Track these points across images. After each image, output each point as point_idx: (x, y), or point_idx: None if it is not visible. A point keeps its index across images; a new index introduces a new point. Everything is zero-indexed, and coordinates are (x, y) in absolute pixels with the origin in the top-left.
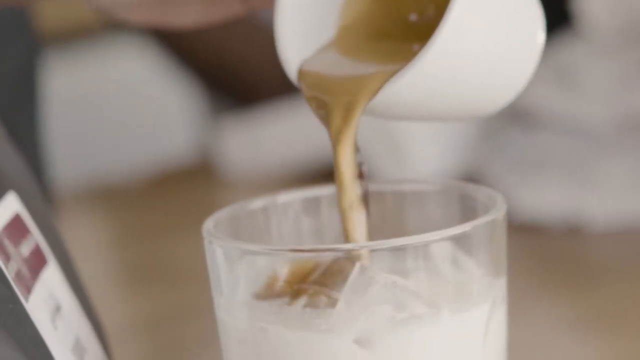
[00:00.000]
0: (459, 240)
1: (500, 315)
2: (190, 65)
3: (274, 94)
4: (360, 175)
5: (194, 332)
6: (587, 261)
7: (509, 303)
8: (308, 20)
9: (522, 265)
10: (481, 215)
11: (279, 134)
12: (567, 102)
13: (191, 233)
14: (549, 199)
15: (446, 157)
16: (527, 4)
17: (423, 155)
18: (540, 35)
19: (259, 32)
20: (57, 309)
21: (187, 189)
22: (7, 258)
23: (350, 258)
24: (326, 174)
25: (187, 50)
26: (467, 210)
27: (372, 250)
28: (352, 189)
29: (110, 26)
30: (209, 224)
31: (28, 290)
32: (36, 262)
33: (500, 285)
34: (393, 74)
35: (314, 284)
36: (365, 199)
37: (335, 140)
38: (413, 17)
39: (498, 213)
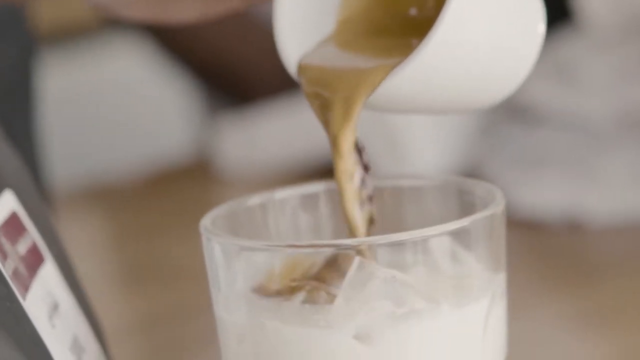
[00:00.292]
0: (458, 235)
1: (499, 310)
2: (186, 63)
3: (270, 92)
4: (366, 169)
5: (192, 332)
6: (587, 257)
7: (509, 299)
8: (307, 14)
9: (522, 262)
10: (480, 210)
11: (275, 132)
12: (566, 97)
13: (188, 232)
14: (549, 195)
15: (445, 154)
16: None
17: (422, 152)
18: (541, 26)
19: (255, 30)
20: (55, 307)
21: (184, 187)
22: (4, 256)
23: (349, 253)
24: (323, 172)
25: (184, 48)
26: (466, 205)
27: (371, 246)
28: (352, 186)
29: (106, 24)
30: (206, 221)
31: (25, 288)
32: (33, 260)
33: (499, 280)
34: (393, 67)
35: (312, 279)
36: (371, 195)
37: (336, 136)
38: (412, 11)
39: (497, 208)
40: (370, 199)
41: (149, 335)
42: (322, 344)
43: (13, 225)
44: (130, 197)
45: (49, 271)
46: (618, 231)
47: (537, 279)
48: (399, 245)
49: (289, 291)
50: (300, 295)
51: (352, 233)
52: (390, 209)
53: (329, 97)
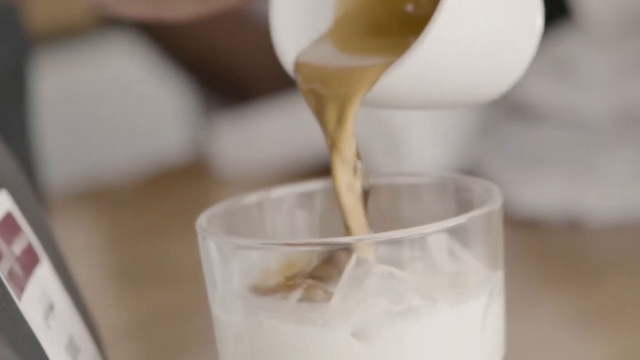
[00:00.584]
0: (456, 233)
1: (497, 308)
2: (183, 63)
3: (267, 91)
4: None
5: (190, 332)
6: (587, 256)
7: (508, 298)
8: (303, 11)
9: (521, 261)
10: (477, 207)
11: (273, 132)
12: (566, 95)
13: (186, 232)
14: (549, 193)
15: (445, 153)
16: None
17: (421, 152)
18: (539, 20)
19: (251, 29)
20: (51, 308)
21: (181, 188)
22: (0, 257)
23: (347, 251)
24: (320, 172)
25: (180, 48)
26: (464, 203)
27: (368, 244)
28: (351, 187)
29: (102, 24)
30: (202, 220)
31: (21, 289)
32: (29, 261)
33: (497, 278)
34: (390, 65)
35: (309, 277)
36: (366, 196)
37: (333, 135)
38: (409, 7)
39: (494, 205)
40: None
41: (145, 336)
42: (320, 342)
43: (8, 226)
44: (127, 197)
45: (44, 272)
46: (618, 230)
47: (536, 278)
48: (396, 243)
49: (286, 290)
50: (298, 294)
51: (350, 231)
52: (388, 207)
53: (326, 95)
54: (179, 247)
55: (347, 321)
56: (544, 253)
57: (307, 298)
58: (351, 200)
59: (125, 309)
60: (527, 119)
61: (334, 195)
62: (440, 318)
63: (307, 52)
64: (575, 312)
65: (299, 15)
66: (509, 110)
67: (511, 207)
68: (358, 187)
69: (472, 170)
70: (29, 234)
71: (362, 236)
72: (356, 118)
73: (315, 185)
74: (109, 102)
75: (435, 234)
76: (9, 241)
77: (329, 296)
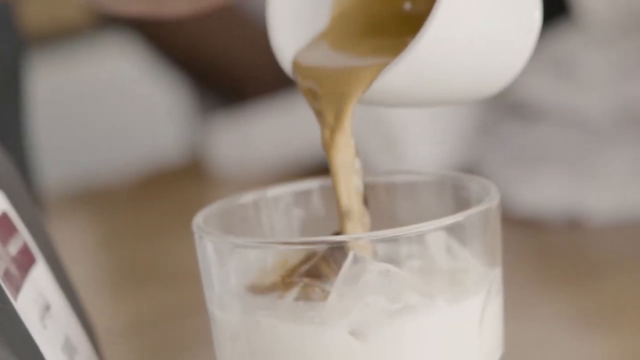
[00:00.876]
0: (453, 230)
1: (495, 305)
2: (178, 63)
3: (263, 91)
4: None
5: (186, 333)
6: (587, 255)
7: (508, 297)
8: (300, 9)
9: (521, 260)
10: (475, 205)
11: (269, 131)
12: (565, 93)
13: (182, 233)
14: (548, 192)
15: (443, 152)
16: None
17: (420, 150)
18: (537, 15)
19: (247, 29)
20: (47, 308)
21: (177, 188)
22: None
23: (343, 249)
24: (317, 171)
25: (176, 47)
26: (461, 201)
27: (366, 242)
28: (351, 187)
29: (97, 25)
30: (198, 219)
31: (17, 289)
32: (24, 261)
33: (495, 275)
34: (387, 64)
35: (306, 275)
36: (365, 198)
37: (331, 133)
38: (407, 5)
39: (491, 202)
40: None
41: (142, 336)
42: (317, 341)
43: (4, 226)
44: (124, 198)
45: (40, 272)
46: (618, 229)
47: (536, 278)
48: (393, 241)
49: (283, 288)
50: (294, 292)
51: (347, 228)
52: (385, 205)
53: (324, 94)
54: (176, 248)
55: (344, 319)
56: (543, 252)
57: (304, 296)
58: (351, 200)
59: (121, 309)
60: (527, 117)
61: (330, 194)
62: (438, 315)
63: (305, 51)
64: (575, 311)
65: (296, 13)
66: (508, 108)
67: (511, 206)
68: (357, 185)
69: (471, 169)
70: (24, 234)
71: (358, 234)
72: (354, 117)
73: (311, 184)
74: (104, 102)
75: (432, 231)
76: (5, 241)
77: (325, 294)
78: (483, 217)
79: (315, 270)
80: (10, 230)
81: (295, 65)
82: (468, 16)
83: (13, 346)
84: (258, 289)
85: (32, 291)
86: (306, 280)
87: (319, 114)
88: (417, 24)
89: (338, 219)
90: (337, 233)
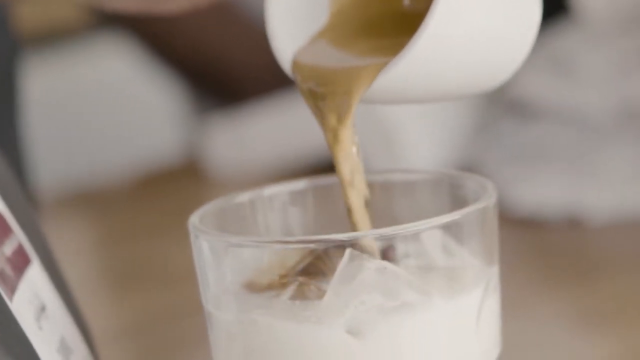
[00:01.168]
0: (450, 229)
1: (492, 303)
2: (174, 63)
3: (259, 91)
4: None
5: (182, 334)
6: (587, 254)
7: (508, 297)
8: (299, 6)
9: (521, 260)
10: (472, 203)
11: (265, 132)
12: (564, 91)
13: (178, 234)
14: (548, 191)
15: (442, 151)
16: None
17: (418, 150)
18: (537, 9)
19: (243, 29)
20: (42, 309)
21: (173, 189)
22: None
23: (340, 247)
24: (314, 171)
25: (171, 47)
26: (458, 199)
27: (367, 240)
28: (357, 187)
29: (92, 25)
30: (194, 218)
31: (12, 289)
32: (20, 262)
33: (492, 273)
34: (387, 64)
35: (302, 274)
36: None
37: (334, 133)
38: (406, 2)
39: (489, 200)
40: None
41: (138, 338)
42: (314, 339)
43: None
44: (120, 199)
45: (35, 272)
46: (618, 228)
47: (536, 277)
48: (390, 239)
49: (279, 287)
50: (291, 291)
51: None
52: (383, 204)
53: (325, 93)
54: (172, 249)
55: (341, 318)
56: (543, 251)
57: (300, 295)
58: (356, 196)
59: (118, 310)
60: (526, 115)
61: (326, 193)
62: (435, 313)
63: (304, 51)
64: (575, 311)
65: (294, 11)
66: (507, 107)
67: (510, 205)
68: (361, 183)
69: (470, 168)
70: (19, 234)
71: (355, 233)
72: (355, 118)
73: (307, 183)
74: (100, 103)
75: (430, 229)
76: (0, 242)
77: (322, 293)
78: (480, 215)
79: (311, 268)
80: (5, 230)
81: (295, 64)
82: (467, 13)
83: (8, 347)
84: (254, 288)
85: (27, 292)
86: (302, 278)
87: (319, 113)
88: (416, 21)
89: (346, 214)
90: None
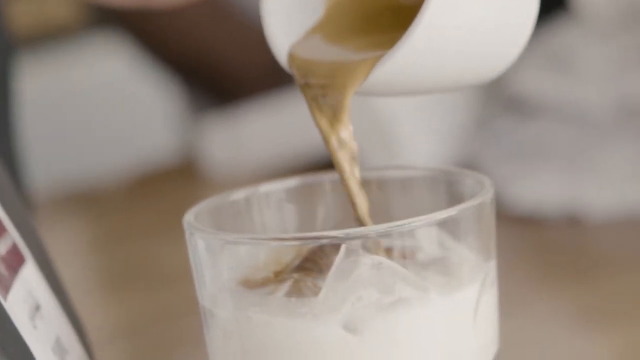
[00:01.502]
0: (447, 225)
1: (490, 298)
2: (169, 62)
3: (255, 90)
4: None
5: (178, 334)
6: (586, 252)
7: (507, 295)
8: (295, 1)
9: (520, 257)
10: (469, 199)
11: (261, 131)
12: (563, 88)
13: (174, 234)
14: (547, 189)
15: (440, 149)
16: None
17: (416, 148)
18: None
19: (238, 28)
20: (37, 308)
21: (169, 189)
22: None
23: (336, 243)
24: (310, 170)
25: (166, 47)
26: (455, 195)
27: (359, 236)
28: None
29: (87, 25)
30: (189, 216)
31: (6, 289)
32: (14, 261)
33: (489, 268)
34: (383, 57)
35: (298, 271)
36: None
37: (331, 125)
38: None
39: (485, 196)
40: None
41: (134, 338)
42: (310, 336)
43: None
44: (115, 199)
45: (30, 272)
46: (617, 225)
47: (535, 275)
48: (387, 235)
49: (275, 284)
50: (287, 288)
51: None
52: (379, 201)
53: (321, 86)
54: (168, 249)
55: (337, 314)
56: (542, 249)
57: (296, 292)
58: (357, 187)
59: (113, 311)
60: (524, 112)
61: (321, 190)
62: (432, 308)
63: (300, 45)
64: (574, 308)
65: (290, 6)
66: (506, 104)
67: (509, 203)
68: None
69: (468, 166)
70: (13, 234)
71: (352, 229)
72: (351, 112)
73: (302, 180)
74: (95, 103)
75: (426, 226)
76: None
77: (318, 289)
78: (477, 211)
79: (307, 265)
80: None
81: (291, 59)
82: (464, 3)
83: (3, 346)
84: (250, 285)
85: (21, 291)
86: (298, 275)
87: (316, 106)
88: (413, 16)
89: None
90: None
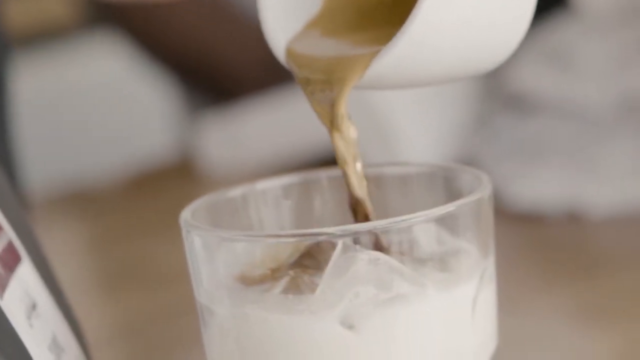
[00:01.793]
0: (445, 221)
1: (488, 294)
2: (166, 61)
3: (252, 88)
4: None
5: (175, 335)
6: (587, 249)
7: (507, 293)
8: None
9: (520, 255)
10: (467, 195)
11: (259, 130)
12: (562, 84)
13: (172, 234)
14: (547, 186)
15: (439, 147)
16: None
17: (415, 146)
18: None
19: (235, 27)
20: (33, 307)
21: (167, 189)
22: None
23: (333, 240)
24: (308, 169)
25: (164, 46)
26: (453, 191)
27: (356, 233)
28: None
29: (83, 24)
30: (186, 214)
31: (2, 287)
32: (10, 259)
33: (487, 264)
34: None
35: (295, 267)
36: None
37: (332, 119)
38: None
39: (483, 192)
40: None
41: (131, 338)
42: (308, 332)
43: None
44: (113, 199)
45: (26, 270)
46: (618, 222)
47: (535, 272)
48: (385, 232)
49: (272, 281)
50: (284, 285)
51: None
52: (377, 197)
53: (319, 81)
54: (166, 249)
55: (334, 310)
56: (542, 247)
57: (293, 288)
58: (359, 181)
59: (111, 310)
60: (524, 110)
61: (318, 187)
62: (429, 304)
63: (298, 40)
64: (575, 306)
65: (287, 2)
66: (505, 101)
67: (509, 200)
68: (360, 168)
69: (468, 164)
70: (9, 232)
71: (348, 226)
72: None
73: (299, 177)
74: (92, 102)
75: (424, 222)
76: None
77: (315, 286)
78: (475, 207)
79: (304, 261)
80: None
81: (289, 53)
82: None
83: None
84: (247, 282)
85: (18, 290)
86: (295, 272)
87: (315, 101)
88: (409, 9)
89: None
90: None
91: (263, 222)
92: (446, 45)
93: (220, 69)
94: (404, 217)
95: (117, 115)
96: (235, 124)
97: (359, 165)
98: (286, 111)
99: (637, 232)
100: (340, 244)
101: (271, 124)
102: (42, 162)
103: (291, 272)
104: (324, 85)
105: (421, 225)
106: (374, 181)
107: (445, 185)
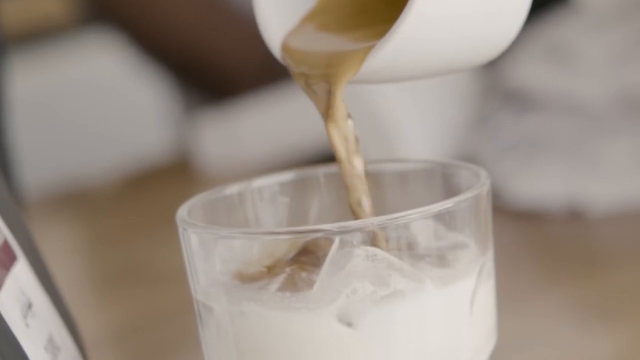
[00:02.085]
0: (444, 217)
1: (486, 290)
2: (163, 60)
3: (249, 87)
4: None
5: (173, 335)
6: (589, 246)
7: (508, 290)
8: None
9: (521, 252)
10: (465, 191)
11: (255, 128)
12: (563, 80)
13: (169, 234)
14: (548, 183)
15: (439, 145)
16: None
17: (415, 143)
18: None
19: (232, 26)
20: (29, 307)
21: (164, 188)
22: None
23: (330, 237)
24: (305, 167)
25: (159, 44)
26: (452, 187)
27: (353, 230)
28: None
29: (79, 22)
30: (183, 212)
31: None
32: (6, 259)
33: (486, 260)
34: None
35: (293, 264)
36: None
37: (327, 115)
38: None
39: (482, 188)
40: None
41: (128, 339)
42: (305, 329)
43: None
44: (109, 198)
45: (22, 270)
46: (619, 219)
47: (536, 270)
48: (383, 228)
49: (270, 278)
50: (281, 282)
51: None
52: (376, 194)
53: (316, 76)
54: (163, 249)
55: (332, 307)
56: (543, 244)
57: (290, 285)
58: (354, 174)
59: (108, 311)
60: (524, 106)
61: (314, 184)
62: (428, 301)
63: (293, 35)
64: (577, 303)
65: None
66: (505, 97)
67: (510, 197)
68: (360, 164)
69: (468, 161)
70: (5, 232)
71: (346, 222)
72: (348, 108)
73: (296, 174)
74: (88, 102)
75: (423, 218)
76: None
77: (312, 283)
78: (474, 203)
79: (301, 258)
80: None
81: (285, 48)
82: None
83: None
84: (244, 279)
85: (13, 289)
86: (292, 269)
87: (313, 96)
88: (404, 3)
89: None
90: None
91: (260, 219)
92: (441, 38)
93: (216, 66)
94: (402, 214)
95: (113, 114)
96: (232, 122)
97: (359, 162)
98: (283, 109)
99: (638, 229)
100: (337, 240)
101: (268, 121)
102: (38, 160)
103: (288, 270)
104: (320, 80)
105: (419, 222)
106: (373, 178)
107: (443, 181)
